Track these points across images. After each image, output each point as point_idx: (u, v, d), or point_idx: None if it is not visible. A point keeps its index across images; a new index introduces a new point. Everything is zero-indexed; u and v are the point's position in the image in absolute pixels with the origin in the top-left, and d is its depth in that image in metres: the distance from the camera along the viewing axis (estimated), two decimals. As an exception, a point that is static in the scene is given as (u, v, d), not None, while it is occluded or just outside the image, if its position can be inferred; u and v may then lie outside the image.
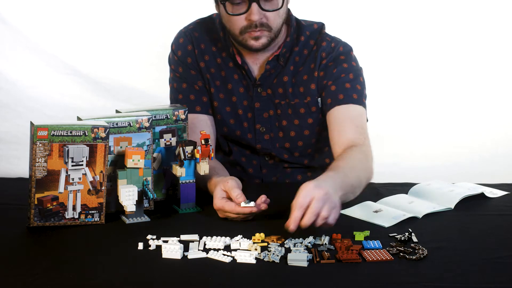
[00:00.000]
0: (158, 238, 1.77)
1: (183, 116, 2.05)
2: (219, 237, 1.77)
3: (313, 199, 1.74)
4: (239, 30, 2.12)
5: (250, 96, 2.27)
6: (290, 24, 2.23)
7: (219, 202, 1.90)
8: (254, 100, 2.26)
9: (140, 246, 1.72)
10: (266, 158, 2.33)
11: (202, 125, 2.23)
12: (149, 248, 1.73)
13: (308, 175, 2.34)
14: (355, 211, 1.99)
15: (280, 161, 2.33)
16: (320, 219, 1.74)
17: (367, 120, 2.26)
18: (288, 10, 2.23)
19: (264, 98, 2.26)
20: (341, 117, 2.19)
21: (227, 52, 2.26)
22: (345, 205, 2.02)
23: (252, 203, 1.87)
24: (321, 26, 2.28)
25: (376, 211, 1.99)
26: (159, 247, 1.71)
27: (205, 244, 1.75)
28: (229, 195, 1.90)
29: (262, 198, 1.90)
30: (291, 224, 1.73)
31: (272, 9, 2.11)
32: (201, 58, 2.27)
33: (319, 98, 2.24)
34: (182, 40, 2.30)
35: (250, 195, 1.90)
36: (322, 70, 2.23)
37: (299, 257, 1.65)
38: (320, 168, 2.27)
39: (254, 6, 2.08)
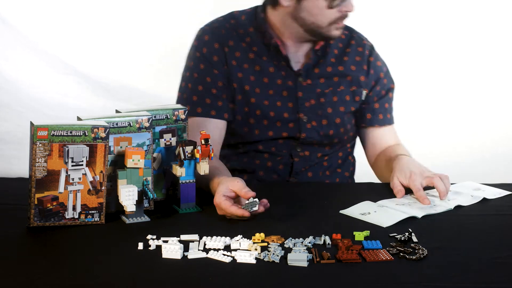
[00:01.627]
0: (158, 238, 1.77)
1: (183, 116, 2.05)
2: (219, 237, 1.77)
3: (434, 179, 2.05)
4: (329, 21, 2.20)
5: (289, 86, 2.28)
6: None
7: (218, 198, 1.91)
8: (297, 89, 2.29)
9: (140, 246, 1.72)
10: (298, 149, 2.33)
11: (212, 127, 2.24)
12: (149, 248, 1.73)
13: (338, 166, 2.42)
14: (355, 211, 1.99)
15: (312, 153, 2.35)
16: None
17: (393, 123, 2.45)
18: None
19: (306, 87, 2.30)
20: (379, 134, 2.41)
21: (260, 46, 2.28)
22: (345, 205, 2.03)
23: (257, 200, 1.87)
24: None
25: (376, 211, 1.99)
26: (159, 247, 1.71)
27: (205, 244, 1.75)
28: (235, 194, 1.91)
29: (264, 201, 1.90)
30: (442, 195, 2.04)
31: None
32: (231, 56, 2.27)
33: (364, 91, 2.35)
34: (207, 38, 2.29)
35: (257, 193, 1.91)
36: (372, 68, 2.36)
37: (299, 257, 1.65)
38: (336, 159, 2.41)
39: None
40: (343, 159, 2.42)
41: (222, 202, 1.89)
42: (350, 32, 2.37)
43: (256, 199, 1.87)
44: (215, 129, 2.25)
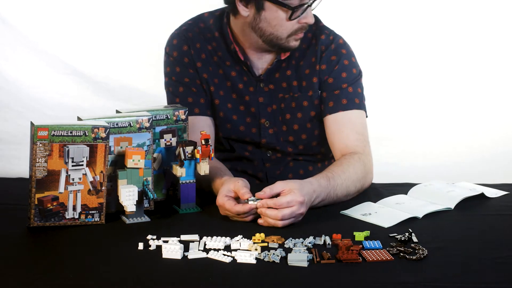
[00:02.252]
0: (158, 238, 1.77)
1: (183, 116, 2.05)
2: (219, 237, 1.77)
3: (289, 209, 1.85)
4: (288, 33, 2.16)
5: (251, 91, 2.28)
6: None
7: (221, 199, 1.91)
8: (257, 94, 2.27)
9: (140, 246, 1.72)
10: (269, 154, 2.33)
11: (201, 125, 2.23)
12: (149, 248, 1.73)
13: (309, 170, 2.36)
14: (355, 211, 1.99)
15: (283, 156, 2.33)
16: (273, 222, 1.86)
17: (367, 116, 2.28)
18: None
19: (267, 92, 2.28)
20: (342, 123, 2.23)
21: (223, 51, 2.27)
22: (345, 205, 2.03)
23: (257, 202, 1.87)
24: (316, 19, 2.29)
25: (376, 211, 1.99)
26: (159, 247, 1.71)
27: (205, 244, 1.75)
28: (236, 194, 1.91)
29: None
30: (259, 203, 1.86)
31: (313, 9, 2.18)
32: (197, 57, 2.28)
33: (319, 91, 2.27)
34: (176, 41, 2.30)
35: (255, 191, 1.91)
36: (324, 63, 2.26)
37: (299, 257, 1.65)
38: (323, 160, 2.34)
39: (310, 10, 2.14)
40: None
41: (225, 202, 1.90)
42: (316, 30, 2.29)
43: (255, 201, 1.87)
44: (202, 125, 2.25)
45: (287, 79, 2.27)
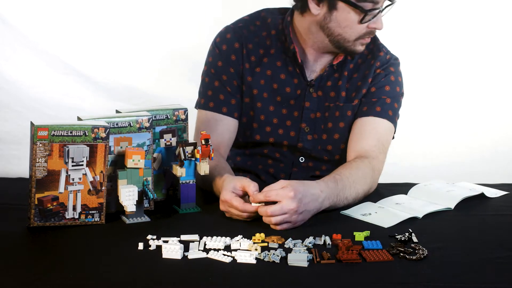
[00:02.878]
0: (158, 238, 1.77)
1: (183, 116, 2.05)
2: (219, 237, 1.77)
3: (280, 217, 1.84)
4: (356, 36, 2.15)
5: (298, 95, 2.26)
6: None
7: (228, 194, 1.90)
8: (305, 99, 2.26)
9: (140, 246, 1.72)
10: (301, 159, 2.30)
11: (223, 127, 2.23)
12: (149, 248, 1.73)
13: None
14: (355, 211, 1.99)
15: (315, 165, 2.31)
16: (271, 223, 1.85)
17: (393, 138, 2.30)
18: None
19: (315, 99, 2.26)
20: (368, 127, 2.23)
21: (278, 50, 2.26)
22: (345, 205, 2.03)
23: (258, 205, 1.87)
24: (375, 36, 2.28)
25: (376, 211, 1.99)
26: (159, 247, 1.71)
27: (205, 244, 1.75)
28: (243, 192, 1.91)
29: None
30: (253, 204, 1.86)
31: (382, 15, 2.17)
32: (247, 58, 2.26)
33: (357, 100, 2.27)
34: (229, 36, 2.27)
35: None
36: (373, 77, 2.27)
37: (299, 257, 1.65)
38: None
39: (380, 16, 2.14)
40: None
41: (233, 198, 1.89)
42: (374, 47, 2.30)
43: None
44: (225, 126, 2.24)
45: (337, 89, 2.26)
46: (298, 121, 2.27)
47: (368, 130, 2.22)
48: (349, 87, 2.26)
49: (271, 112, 2.27)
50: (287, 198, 1.83)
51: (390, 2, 2.16)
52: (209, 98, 2.25)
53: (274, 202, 1.84)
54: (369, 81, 2.26)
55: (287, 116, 2.27)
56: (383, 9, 2.14)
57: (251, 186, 1.90)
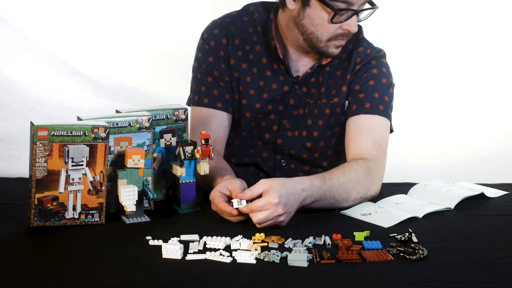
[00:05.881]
0: (158, 238, 1.77)
1: (183, 116, 2.05)
2: (219, 237, 1.77)
3: (262, 212, 1.81)
4: (329, 37, 2.13)
5: (284, 91, 2.26)
6: None
7: (213, 193, 1.91)
8: (291, 96, 2.25)
9: (140, 246, 1.72)
10: (283, 162, 2.31)
11: (219, 123, 2.23)
12: (149, 248, 1.73)
13: None
14: (355, 211, 1.99)
15: (297, 167, 2.31)
16: (255, 221, 1.82)
17: (392, 131, 2.26)
18: None
19: (300, 95, 2.26)
20: (361, 126, 2.18)
21: (263, 47, 2.25)
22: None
23: (243, 202, 1.86)
24: (359, 30, 2.26)
25: (376, 211, 1.99)
26: (159, 247, 1.71)
27: (205, 244, 1.75)
28: (230, 193, 1.91)
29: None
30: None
31: (362, 20, 2.16)
32: (233, 54, 2.25)
33: (347, 101, 2.24)
34: (217, 31, 2.27)
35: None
36: (354, 74, 2.24)
37: (299, 257, 1.65)
38: None
39: (355, 17, 2.11)
40: None
41: (216, 197, 1.89)
42: (356, 42, 2.27)
43: (244, 202, 1.85)
44: (221, 121, 2.24)
45: (318, 86, 2.25)
46: (281, 117, 2.27)
47: (361, 130, 2.17)
48: (331, 84, 2.25)
49: (257, 109, 2.27)
50: (272, 205, 1.80)
51: (370, 6, 2.14)
52: (203, 95, 2.25)
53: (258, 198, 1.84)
54: (348, 78, 2.23)
55: (271, 111, 2.27)
56: (358, 12, 2.10)
57: (235, 188, 1.88)
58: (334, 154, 2.32)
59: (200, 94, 2.25)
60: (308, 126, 2.27)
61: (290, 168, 2.31)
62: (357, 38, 2.27)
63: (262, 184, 1.84)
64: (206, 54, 2.27)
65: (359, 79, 2.23)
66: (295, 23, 2.16)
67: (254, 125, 2.29)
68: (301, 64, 2.26)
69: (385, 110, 2.20)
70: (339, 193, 1.97)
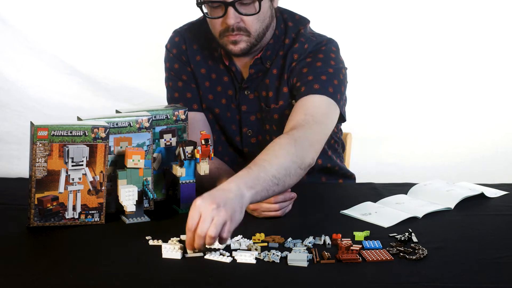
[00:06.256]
0: (158, 238, 1.77)
1: (183, 116, 2.05)
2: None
3: (200, 219, 1.63)
4: (218, 33, 2.14)
5: (237, 99, 2.27)
6: (276, 27, 2.22)
7: (251, 206, 1.89)
8: (241, 102, 2.25)
9: (140, 246, 1.72)
10: None
11: (200, 123, 2.24)
12: (149, 248, 1.73)
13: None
14: (355, 211, 1.99)
15: None
16: (208, 239, 1.62)
17: (345, 120, 2.20)
18: (277, 12, 2.22)
19: (251, 100, 2.25)
20: (296, 107, 2.09)
21: (219, 53, 2.26)
22: (345, 205, 2.03)
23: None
24: (304, 26, 2.22)
25: (376, 211, 1.99)
26: (159, 247, 1.71)
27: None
28: None
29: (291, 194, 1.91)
30: (187, 247, 1.66)
31: (249, 13, 2.09)
32: (192, 59, 2.28)
33: (293, 101, 2.17)
34: (177, 39, 2.30)
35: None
36: (290, 71, 2.19)
37: (299, 257, 1.65)
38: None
39: (230, 10, 2.07)
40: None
41: (261, 204, 1.88)
42: (295, 38, 2.20)
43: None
44: (201, 122, 2.25)
45: (266, 88, 2.23)
46: (241, 125, 2.27)
47: (295, 110, 2.08)
48: (278, 86, 2.21)
49: (217, 114, 2.28)
50: (192, 210, 1.66)
51: None
52: (177, 100, 2.26)
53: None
54: (285, 78, 2.19)
55: (231, 120, 2.28)
56: (227, 4, 2.04)
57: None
58: None
59: (175, 100, 2.26)
60: (267, 131, 2.26)
61: None
62: (296, 34, 2.21)
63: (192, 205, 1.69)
64: (172, 61, 2.30)
65: (293, 72, 2.18)
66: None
67: (219, 129, 2.30)
68: (243, 65, 2.25)
69: (321, 89, 2.10)
70: (277, 169, 1.81)
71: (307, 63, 2.18)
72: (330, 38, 2.25)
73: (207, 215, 1.63)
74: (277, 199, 1.88)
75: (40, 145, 1.81)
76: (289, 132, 1.97)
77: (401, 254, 1.69)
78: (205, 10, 2.14)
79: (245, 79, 2.24)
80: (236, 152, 2.32)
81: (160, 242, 1.74)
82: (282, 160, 1.84)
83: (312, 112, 2.05)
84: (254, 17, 2.10)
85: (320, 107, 2.08)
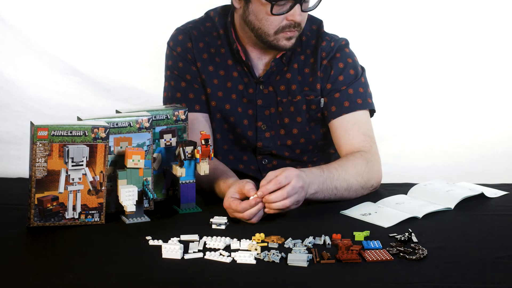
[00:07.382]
0: (158, 238, 1.77)
1: (183, 117, 2.05)
2: (219, 237, 1.77)
3: (290, 184, 1.86)
4: (275, 29, 2.13)
5: (250, 93, 2.27)
6: None
7: (226, 201, 1.92)
8: (257, 97, 2.26)
9: (140, 246, 1.72)
10: (264, 162, 2.32)
11: (201, 125, 2.23)
12: (149, 248, 1.73)
13: None
14: (355, 211, 1.99)
15: (279, 163, 2.31)
16: (281, 204, 1.86)
17: (375, 111, 2.29)
18: None
19: (267, 95, 2.27)
20: (347, 124, 2.22)
21: (227, 49, 2.26)
22: (345, 205, 2.03)
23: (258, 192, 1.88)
24: (319, 25, 2.29)
25: (376, 211, 1.99)
26: (159, 247, 1.71)
27: (205, 244, 1.75)
28: (242, 195, 1.91)
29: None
30: (260, 192, 1.86)
31: (309, 10, 2.16)
32: (199, 57, 2.27)
33: (322, 99, 2.26)
34: (181, 37, 2.29)
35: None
36: (323, 71, 2.26)
37: (299, 257, 1.65)
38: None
39: (298, 7, 2.10)
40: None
41: (231, 203, 1.90)
42: (319, 37, 2.27)
43: (224, 218, 1.87)
44: (202, 123, 2.25)
45: (287, 83, 2.26)
46: (254, 119, 2.28)
47: (348, 127, 2.21)
48: (301, 80, 2.26)
49: (227, 111, 2.28)
50: (294, 177, 1.88)
51: None
52: (179, 100, 2.25)
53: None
54: (319, 75, 2.25)
55: (243, 115, 2.28)
56: (299, 1, 2.09)
57: (245, 186, 1.91)
58: (315, 148, 2.33)
59: (177, 100, 2.25)
60: (286, 125, 2.28)
61: (273, 165, 2.32)
62: (319, 33, 2.28)
63: (273, 172, 1.90)
64: (176, 60, 2.28)
65: (328, 77, 2.25)
66: (244, 21, 2.18)
67: (227, 128, 2.29)
68: (263, 63, 2.27)
69: (363, 103, 2.24)
70: (340, 182, 2.04)
71: (340, 69, 2.25)
72: (342, 38, 2.33)
73: (297, 187, 1.88)
74: (244, 207, 1.90)
75: (40, 145, 1.81)
76: (361, 152, 2.15)
77: (401, 254, 1.69)
78: (269, 8, 2.11)
79: (262, 74, 2.25)
80: (242, 150, 2.31)
81: (160, 242, 1.74)
82: (349, 176, 2.06)
83: (365, 131, 2.22)
84: (307, 14, 2.17)
85: (367, 123, 2.25)
